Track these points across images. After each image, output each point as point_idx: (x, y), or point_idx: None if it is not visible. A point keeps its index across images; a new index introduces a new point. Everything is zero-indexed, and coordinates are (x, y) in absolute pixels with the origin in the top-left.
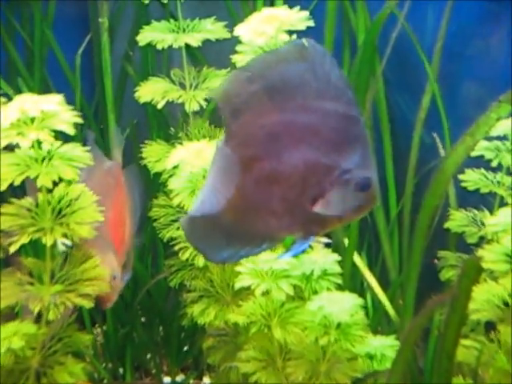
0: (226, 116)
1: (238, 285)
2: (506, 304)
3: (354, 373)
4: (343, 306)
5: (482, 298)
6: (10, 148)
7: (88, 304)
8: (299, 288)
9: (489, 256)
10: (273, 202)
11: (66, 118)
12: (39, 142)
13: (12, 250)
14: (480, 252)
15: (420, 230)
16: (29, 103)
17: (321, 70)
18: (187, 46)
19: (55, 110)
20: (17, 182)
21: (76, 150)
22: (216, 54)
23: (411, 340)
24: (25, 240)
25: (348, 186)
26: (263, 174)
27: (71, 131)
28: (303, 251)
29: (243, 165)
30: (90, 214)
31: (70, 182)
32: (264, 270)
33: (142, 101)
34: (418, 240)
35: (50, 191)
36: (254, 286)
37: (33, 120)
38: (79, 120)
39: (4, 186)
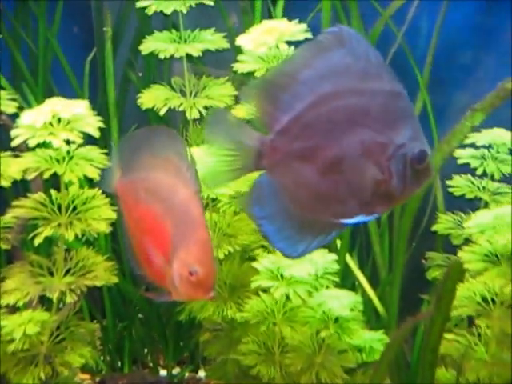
0: (269, 111)
1: (254, 284)
2: (486, 300)
3: (348, 364)
4: (343, 302)
5: (463, 295)
6: (20, 149)
7: (100, 283)
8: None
9: (466, 256)
10: (338, 189)
11: (92, 121)
12: (68, 142)
13: (36, 242)
14: (459, 253)
15: (402, 231)
16: (60, 106)
17: (359, 52)
18: (188, 55)
19: (83, 114)
20: (46, 175)
21: (95, 151)
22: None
23: (392, 352)
24: (47, 233)
25: (404, 160)
26: (327, 162)
27: (96, 134)
28: (365, 222)
29: (303, 157)
30: (106, 212)
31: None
32: (280, 272)
33: (144, 107)
34: (401, 241)
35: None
36: (273, 288)
37: (59, 122)
38: (102, 124)
39: (32, 176)
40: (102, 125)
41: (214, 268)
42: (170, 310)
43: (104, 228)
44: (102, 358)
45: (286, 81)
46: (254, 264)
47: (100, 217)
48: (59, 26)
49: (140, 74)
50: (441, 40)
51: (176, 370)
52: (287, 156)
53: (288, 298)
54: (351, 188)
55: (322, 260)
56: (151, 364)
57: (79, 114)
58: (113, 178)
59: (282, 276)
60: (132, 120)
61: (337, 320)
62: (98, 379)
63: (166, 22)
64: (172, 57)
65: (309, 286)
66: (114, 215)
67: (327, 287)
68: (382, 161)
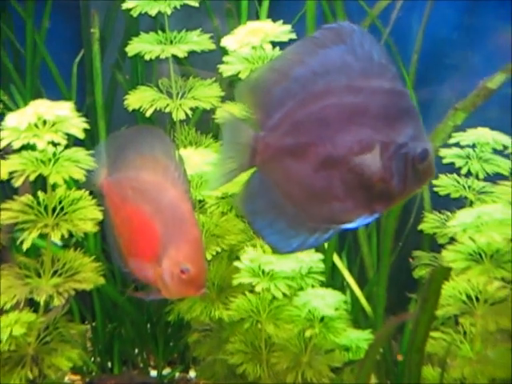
0: (261, 108)
1: (236, 281)
2: (471, 298)
3: (334, 363)
4: (328, 301)
5: (448, 294)
6: (6, 152)
7: (88, 286)
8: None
9: (450, 255)
10: (334, 186)
11: (77, 123)
12: (54, 144)
13: (25, 246)
14: (443, 252)
15: (388, 230)
16: (44, 108)
17: (361, 50)
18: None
19: (67, 116)
20: (31, 178)
21: (81, 153)
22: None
23: (375, 351)
24: (35, 234)
25: (406, 160)
26: (319, 159)
27: (81, 135)
28: (367, 224)
29: (294, 153)
30: (92, 212)
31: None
32: (261, 268)
33: (130, 108)
34: (387, 240)
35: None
36: (254, 283)
37: (44, 124)
38: (87, 126)
39: (19, 182)
40: (86, 126)
41: (205, 265)
42: (159, 310)
43: (90, 228)
44: (92, 359)
45: (278, 77)
46: (236, 263)
47: (86, 217)
48: (48, 26)
49: (127, 77)
50: (427, 39)
51: (166, 371)
52: (279, 152)
53: (274, 297)
54: (347, 186)
55: (307, 259)
56: (142, 365)
57: (64, 115)
58: (99, 177)
59: (263, 272)
60: (120, 121)
61: (322, 319)
62: (87, 380)
63: (154, 23)
64: (159, 58)
65: (290, 281)
66: (100, 215)
67: (313, 286)
68: (382, 160)
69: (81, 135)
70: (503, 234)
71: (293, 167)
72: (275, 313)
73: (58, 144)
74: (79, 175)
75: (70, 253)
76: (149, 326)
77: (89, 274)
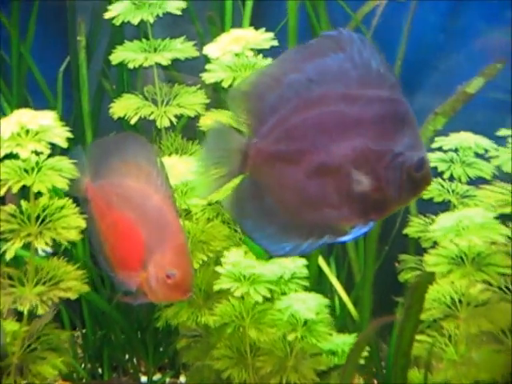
0: (254, 113)
1: (216, 287)
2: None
3: (319, 366)
4: (309, 304)
5: (431, 298)
6: None
7: (73, 295)
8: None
9: (432, 259)
10: (327, 194)
11: (60, 132)
12: (37, 153)
13: (8, 256)
14: (426, 256)
15: (372, 234)
16: (26, 117)
17: (360, 58)
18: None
19: (50, 125)
20: (15, 190)
21: (64, 162)
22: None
23: (357, 354)
24: (18, 244)
25: (402, 169)
26: (312, 166)
27: (64, 144)
28: (364, 234)
29: (286, 160)
30: (75, 220)
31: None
32: (242, 273)
33: (115, 117)
34: (371, 244)
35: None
36: (233, 288)
37: (27, 133)
38: (70, 135)
39: (3, 191)
40: (70, 135)
41: (191, 270)
42: (148, 316)
43: (74, 236)
44: (82, 365)
45: (272, 83)
46: (217, 268)
47: (70, 225)
48: (33, 35)
49: (114, 87)
50: (411, 41)
51: (157, 376)
52: (271, 158)
53: (257, 302)
54: (341, 194)
55: (291, 265)
56: (132, 370)
57: (47, 125)
58: (83, 183)
59: (244, 277)
60: (107, 129)
61: (306, 323)
62: None
63: (139, 30)
64: (143, 65)
65: (271, 285)
66: (83, 223)
67: (296, 291)
68: (377, 168)
69: (64, 144)
70: (483, 238)
71: (286, 174)
72: (258, 317)
73: (41, 153)
74: (62, 184)
75: (54, 261)
76: (139, 332)
77: (73, 283)
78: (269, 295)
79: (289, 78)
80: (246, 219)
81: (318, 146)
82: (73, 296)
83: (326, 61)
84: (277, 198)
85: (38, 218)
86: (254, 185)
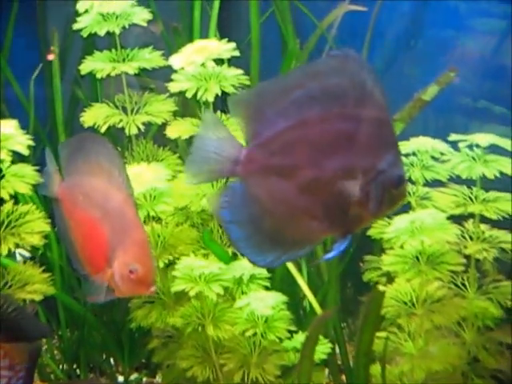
0: (252, 123)
1: (174, 289)
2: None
3: (281, 361)
4: (267, 302)
5: (390, 296)
6: None
7: (38, 297)
8: (231, 291)
9: (388, 259)
10: (315, 207)
11: (21, 140)
12: None
13: None
14: (383, 256)
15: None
16: None
17: (358, 80)
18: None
19: (12, 133)
20: None
21: (27, 168)
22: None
23: (310, 351)
24: None
25: (384, 185)
26: (305, 181)
27: (25, 152)
28: (345, 250)
29: (279, 173)
30: (40, 225)
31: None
32: (197, 274)
33: (86, 125)
34: None
35: None
36: (187, 289)
37: None
38: (31, 143)
39: None
40: (31, 143)
41: (153, 265)
42: (124, 317)
43: (37, 241)
44: (60, 366)
45: (275, 97)
46: (173, 272)
47: (33, 230)
48: (10, 45)
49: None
50: (375, 42)
51: (134, 376)
52: (263, 169)
53: (218, 302)
54: (327, 208)
55: (250, 265)
56: (109, 371)
57: (8, 133)
58: (53, 183)
59: (200, 277)
60: None
61: (266, 320)
62: None
63: (112, 39)
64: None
65: (226, 283)
66: (47, 228)
67: (256, 291)
68: (362, 185)
69: (25, 152)
70: (435, 238)
71: (276, 185)
72: (218, 316)
73: (3, 161)
74: (25, 190)
75: (20, 265)
76: (115, 333)
77: (38, 285)
78: (222, 293)
79: (292, 94)
80: (233, 225)
81: (311, 163)
82: (37, 298)
83: (330, 80)
84: (265, 208)
85: (2, 223)
86: (244, 192)
